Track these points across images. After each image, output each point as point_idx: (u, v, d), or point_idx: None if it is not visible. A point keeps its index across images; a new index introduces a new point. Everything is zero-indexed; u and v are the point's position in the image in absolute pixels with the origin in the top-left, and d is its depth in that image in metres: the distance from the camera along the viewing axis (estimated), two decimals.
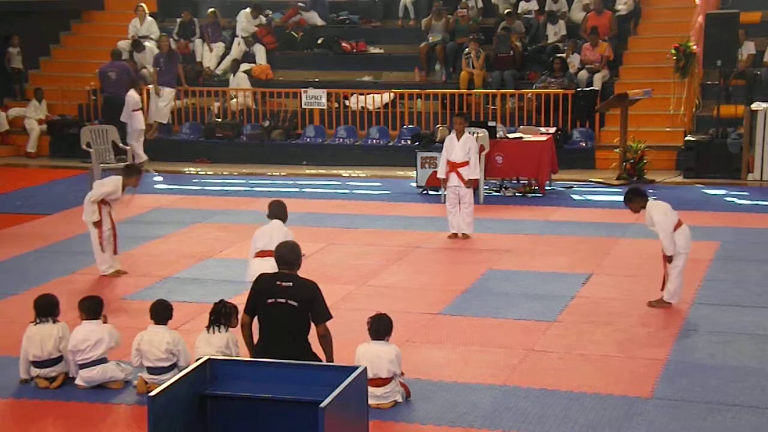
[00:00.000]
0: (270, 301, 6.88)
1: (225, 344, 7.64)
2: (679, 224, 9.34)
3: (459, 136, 12.40)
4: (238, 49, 20.44)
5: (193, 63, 20.39)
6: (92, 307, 7.86)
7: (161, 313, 7.81)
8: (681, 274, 9.42)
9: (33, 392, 7.76)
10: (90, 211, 10.62)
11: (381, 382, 7.21)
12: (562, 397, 7.47)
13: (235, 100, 19.29)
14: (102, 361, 7.74)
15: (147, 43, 20.01)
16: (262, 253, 8.42)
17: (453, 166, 12.35)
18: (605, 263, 11.17)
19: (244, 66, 19.89)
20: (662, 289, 9.53)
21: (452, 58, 19.44)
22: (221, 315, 7.69)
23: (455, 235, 12.40)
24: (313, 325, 6.97)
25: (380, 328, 7.34)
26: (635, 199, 9.44)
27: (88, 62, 20.42)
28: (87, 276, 10.89)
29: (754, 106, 15.97)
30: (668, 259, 9.36)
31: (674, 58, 16.94)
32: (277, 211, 8.66)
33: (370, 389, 6.57)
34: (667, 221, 9.27)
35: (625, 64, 18.72)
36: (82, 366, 7.75)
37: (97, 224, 10.64)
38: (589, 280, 10.54)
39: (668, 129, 17.19)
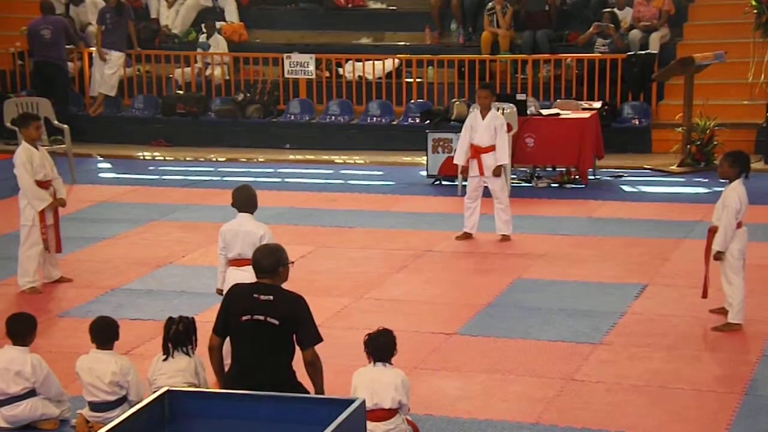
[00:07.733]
0: (245, 318, 6.88)
1: (193, 371, 7.63)
2: (739, 225, 9.37)
3: (484, 113, 12.38)
4: (197, 2, 20.39)
5: (147, 20, 20.41)
6: (17, 329, 7.75)
7: (104, 333, 7.73)
8: (743, 288, 9.43)
9: None
10: (35, 195, 10.57)
11: (383, 414, 7.21)
12: None
13: (211, 70, 19.22)
14: (29, 395, 7.66)
15: None
16: (238, 262, 8.41)
17: (476, 152, 12.35)
18: (664, 271, 11.20)
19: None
20: (704, 296, 9.57)
21: (472, 15, 19.49)
22: (179, 336, 7.67)
23: (468, 236, 12.44)
24: (298, 349, 6.99)
25: (381, 347, 7.34)
26: (732, 164, 9.46)
27: (13, 17, 20.45)
28: (12, 288, 10.90)
29: None
30: (715, 256, 9.40)
31: (755, 11, 16.89)
32: (244, 200, 8.54)
33: (370, 425, 6.58)
34: (737, 211, 9.27)
35: (690, 21, 18.76)
36: (3, 402, 7.68)
37: (41, 213, 10.65)
38: (644, 293, 10.57)
39: (746, 102, 17.22)
